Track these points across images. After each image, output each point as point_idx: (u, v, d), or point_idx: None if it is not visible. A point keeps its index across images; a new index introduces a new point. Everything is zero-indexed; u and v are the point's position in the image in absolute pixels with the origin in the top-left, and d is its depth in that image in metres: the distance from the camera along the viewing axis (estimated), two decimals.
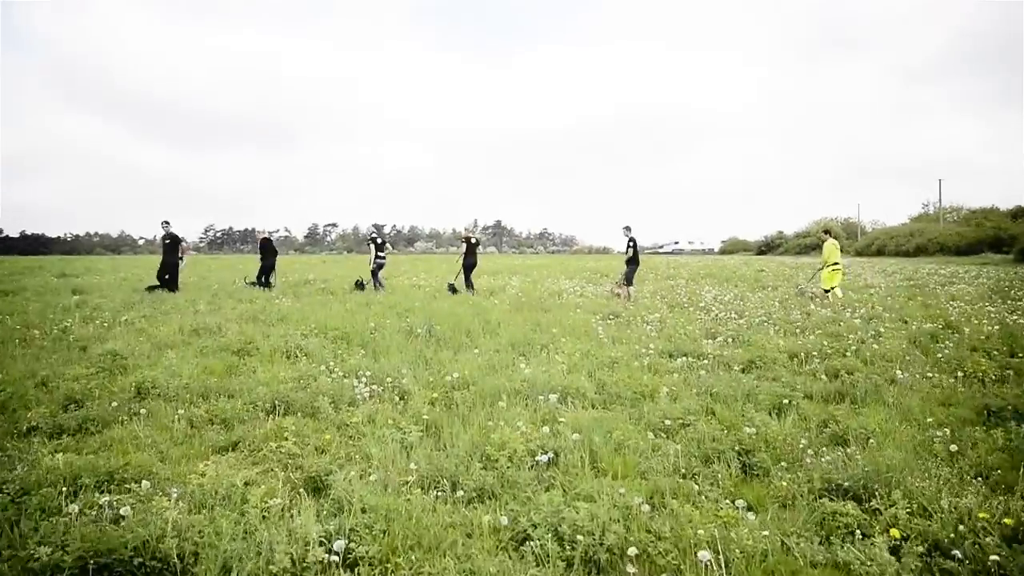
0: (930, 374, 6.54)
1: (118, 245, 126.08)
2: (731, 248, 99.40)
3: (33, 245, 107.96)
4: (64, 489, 3.53)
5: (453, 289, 15.96)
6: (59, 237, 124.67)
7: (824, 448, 4.48)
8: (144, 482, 3.64)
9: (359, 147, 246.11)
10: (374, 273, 16.72)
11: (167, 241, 15.58)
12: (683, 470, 4.07)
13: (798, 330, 9.43)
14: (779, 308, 12.32)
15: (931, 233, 55.32)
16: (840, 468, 3.96)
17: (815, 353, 7.47)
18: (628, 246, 15.00)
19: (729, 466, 4.07)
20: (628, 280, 14.84)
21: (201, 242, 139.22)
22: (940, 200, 66.08)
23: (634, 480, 3.94)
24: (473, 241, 16.56)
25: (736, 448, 4.28)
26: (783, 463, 4.21)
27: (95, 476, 3.75)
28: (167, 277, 15.42)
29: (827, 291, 13.83)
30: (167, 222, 15.56)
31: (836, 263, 13.99)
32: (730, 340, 8.65)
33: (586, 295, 15.38)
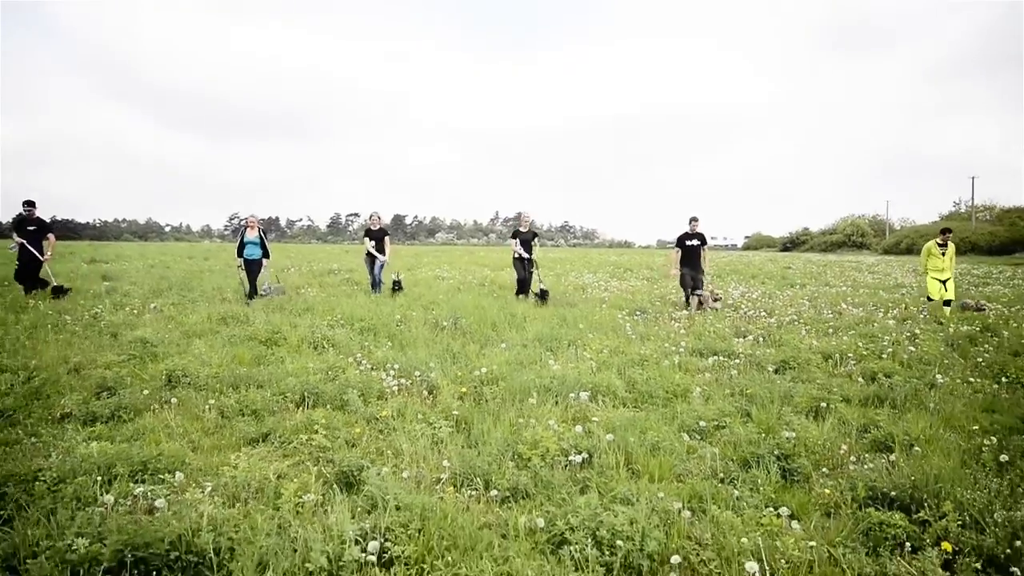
0: (971, 379, 6.34)
1: (145, 232, 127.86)
2: (755, 244, 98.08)
3: (62, 230, 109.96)
4: (99, 478, 3.53)
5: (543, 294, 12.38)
6: (88, 223, 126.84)
7: (866, 454, 4.35)
8: (178, 473, 3.63)
9: (384, 142, 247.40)
10: (379, 272, 13.30)
11: (31, 228, 11.57)
12: (721, 474, 3.97)
13: (831, 330, 9.22)
14: (809, 307, 12.09)
15: (962, 232, 53.95)
16: (884, 476, 3.83)
17: (850, 355, 7.29)
18: (702, 243, 12.11)
19: (768, 471, 3.94)
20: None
21: (226, 230, 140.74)
22: (972, 198, 64.41)
23: (671, 483, 3.85)
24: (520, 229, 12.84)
25: (775, 452, 4.16)
26: (824, 469, 4.09)
27: (129, 465, 3.74)
28: (31, 273, 11.61)
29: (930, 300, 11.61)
30: (31, 203, 11.57)
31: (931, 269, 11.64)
32: (761, 339, 8.48)
33: (610, 290, 15.21)
